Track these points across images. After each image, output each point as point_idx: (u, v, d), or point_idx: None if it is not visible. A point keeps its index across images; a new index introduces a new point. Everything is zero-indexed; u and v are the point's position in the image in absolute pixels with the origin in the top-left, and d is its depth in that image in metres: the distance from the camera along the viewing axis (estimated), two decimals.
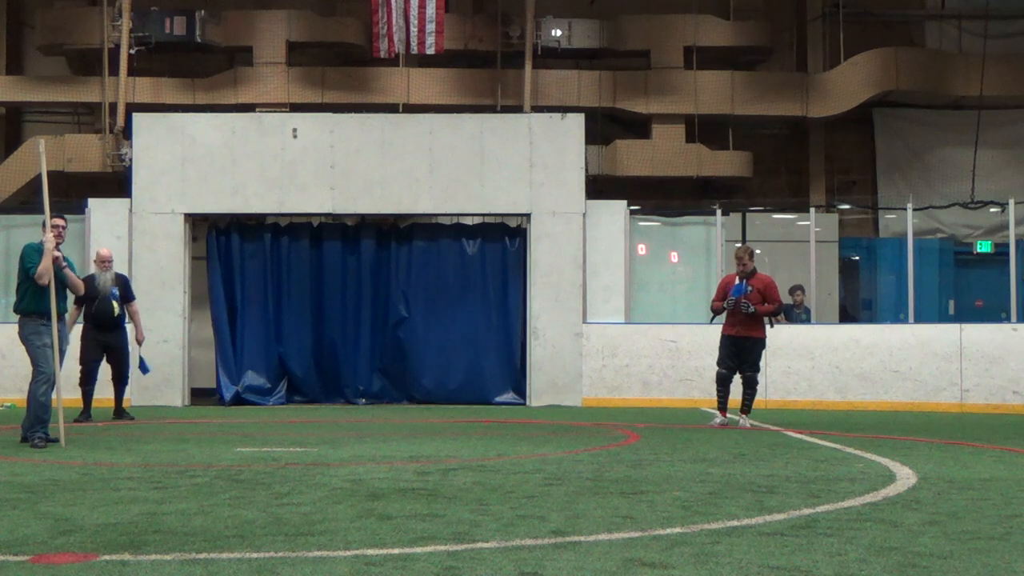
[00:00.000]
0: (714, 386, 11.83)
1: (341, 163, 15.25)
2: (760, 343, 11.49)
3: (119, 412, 12.43)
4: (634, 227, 16.07)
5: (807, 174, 21.03)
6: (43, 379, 9.09)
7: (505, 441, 9.75)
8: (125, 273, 13.77)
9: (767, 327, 11.57)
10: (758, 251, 17.27)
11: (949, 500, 6.09)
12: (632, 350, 15.19)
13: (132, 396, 14.34)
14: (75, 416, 11.77)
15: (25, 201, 18.02)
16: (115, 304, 12.28)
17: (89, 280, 12.26)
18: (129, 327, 12.66)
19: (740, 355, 11.44)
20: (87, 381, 12.30)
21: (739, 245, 12.69)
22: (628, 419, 12.55)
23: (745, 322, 11.34)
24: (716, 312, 11.61)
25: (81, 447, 9.06)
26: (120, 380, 12.49)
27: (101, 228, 15.10)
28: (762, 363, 11.75)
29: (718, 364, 11.63)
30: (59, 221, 9.63)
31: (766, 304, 11.32)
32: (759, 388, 11.93)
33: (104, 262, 12.42)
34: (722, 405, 11.61)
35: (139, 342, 12.63)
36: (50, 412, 9.16)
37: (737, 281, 11.44)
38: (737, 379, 11.58)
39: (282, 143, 15.25)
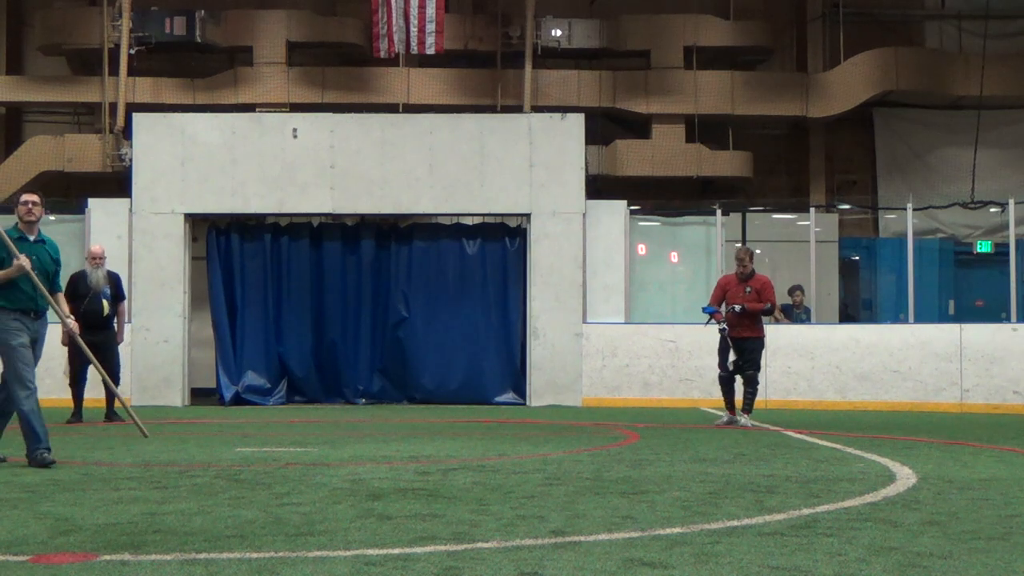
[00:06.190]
0: (714, 386, 12.00)
1: (341, 163, 15.24)
2: (759, 342, 11.60)
3: (110, 414, 12.11)
4: (634, 227, 16.07)
5: (807, 174, 21.03)
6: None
7: (505, 441, 9.75)
8: (121, 272, 13.62)
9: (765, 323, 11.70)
10: (758, 251, 17.28)
11: (949, 500, 6.09)
12: (632, 350, 15.19)
13: (132, 396, 14.33)
14: (67, 418, 11.75)
15: None
16: (105, 303, 11.88)
17: (80, 277, 11.92)
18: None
19: (740, 355, 11.50)
20: (76, 382, 11.98)
21: (739, 246, 12.77)
22: (628, 419, 12.55)
23: (743, 322, 11.42)
24: (710, 315, 11.68)
25: (81, 447, 9.06)
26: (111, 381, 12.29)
27: (101, 228, 15.08)
28: (762, 363, 11.79)
29: (719, 367, 11.70)
30: None
31: (759, 303, 11.42)
32: (759, 388, 11.98)
33: (96, 259, 11.98)
34: (729, 404, 11.71)
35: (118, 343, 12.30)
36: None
37: (737, 281, 11.54)
38: (739, 378, 11.65)
39: (282, 143, 15.25)
